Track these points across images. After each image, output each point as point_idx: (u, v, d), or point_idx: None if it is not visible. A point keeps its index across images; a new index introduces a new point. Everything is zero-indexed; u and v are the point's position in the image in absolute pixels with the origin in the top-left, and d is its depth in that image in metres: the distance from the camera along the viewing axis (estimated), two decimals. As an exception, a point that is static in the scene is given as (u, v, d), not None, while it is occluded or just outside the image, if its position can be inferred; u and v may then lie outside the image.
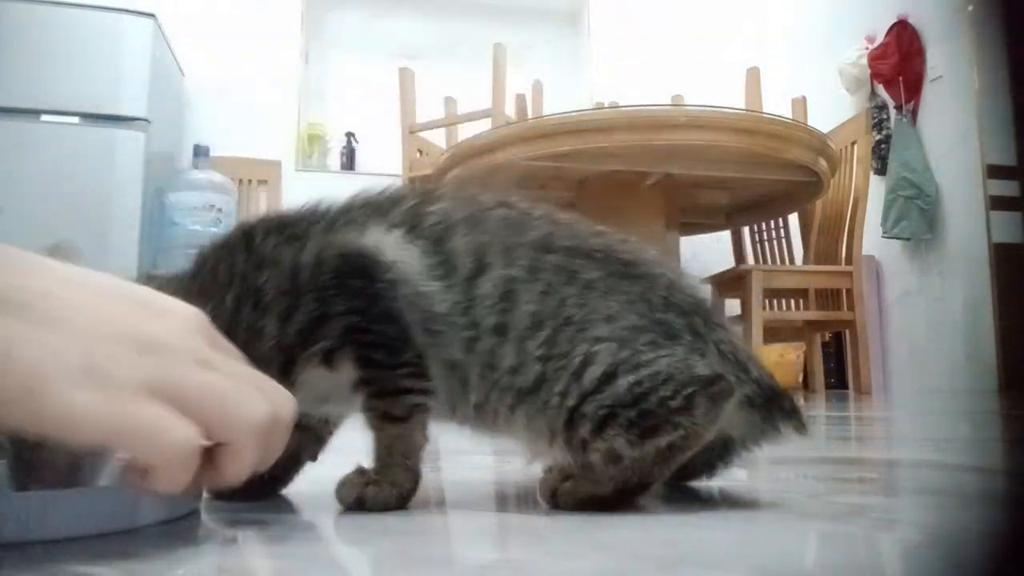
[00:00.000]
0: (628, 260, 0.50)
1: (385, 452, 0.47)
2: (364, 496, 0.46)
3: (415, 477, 0.48)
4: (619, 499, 0.47)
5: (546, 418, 0.47)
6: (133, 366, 0.34)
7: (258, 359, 0.42)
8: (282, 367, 0.48)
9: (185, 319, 0.38)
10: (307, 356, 0.48)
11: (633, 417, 0.45)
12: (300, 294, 0.48)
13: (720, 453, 0.51)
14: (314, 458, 0.56)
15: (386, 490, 0.46)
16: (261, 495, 0.53)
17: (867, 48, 3.60)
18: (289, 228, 0.50)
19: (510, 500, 0.60)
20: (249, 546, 0.42)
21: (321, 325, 0.47)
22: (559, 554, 0.40)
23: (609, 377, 0.46)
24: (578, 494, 0.48)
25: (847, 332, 2.69)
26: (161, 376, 0.34)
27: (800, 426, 0.48)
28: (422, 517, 0.50)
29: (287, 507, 0.52)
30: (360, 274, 0.47)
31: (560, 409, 0.46)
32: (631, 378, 0.45)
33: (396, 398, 0.47)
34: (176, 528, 0.44)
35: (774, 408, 0.47)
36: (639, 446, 0.45)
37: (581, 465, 0.47)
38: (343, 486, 0.47)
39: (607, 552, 0.40)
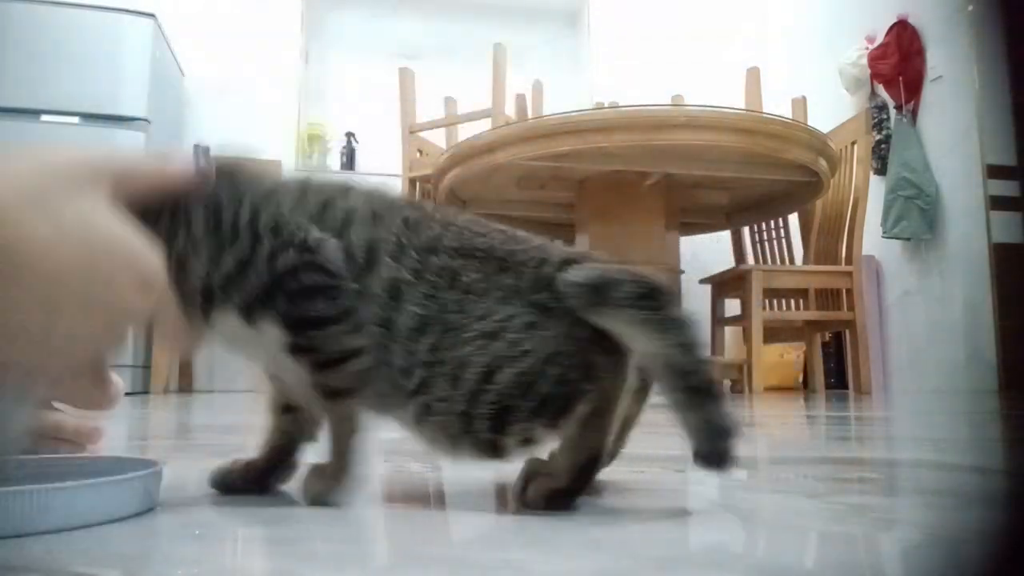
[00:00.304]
0: (504, 253, 0.49)
1: (335, 441, 0.48)
2: (320, 492, 0.48)
3: (353, 467, 0.48)
4: (579, 485, 0.48)
5: (436, 423, 0.47)
6: None
7: (183, 294, 0.46)
8: (203, 309, 0.48)
9: None
10: (227, 305, 0.48)
11: (535, 405, 0.45)
12: (233, 240, 0.48)
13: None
14: (312, 438, 0.55)
15: (331, 484, 0.48)
16: (263, 486, 0.53)
17: (867, 48, 3.60)
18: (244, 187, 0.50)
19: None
20: (249, 545, 0.42)
21: (248, 272, 0.47)
22: (559, 554, 0.40)
23: (489, 374, 0.45)
24: (540, 493, 0.48)
25: (847, 332, 2.69)
26: None
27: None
28: (422, 517, 0.50)
29: (287, 505, 0.52)
30: (292, 237, 0.47)
31: (449, 416, 0.46)
32: (515, 368, 0.45)
33: (340, 366, 0.48)
34: (176, 528, 0.44)
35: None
36: (559, 426, 0.46)
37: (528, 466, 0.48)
38: (306, 483, 0.49)
39: (607, 552, 0.40)
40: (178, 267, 0.47)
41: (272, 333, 0.48)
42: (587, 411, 0.46)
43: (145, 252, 0.41)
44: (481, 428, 0.46)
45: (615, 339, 0.45)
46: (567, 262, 0.48)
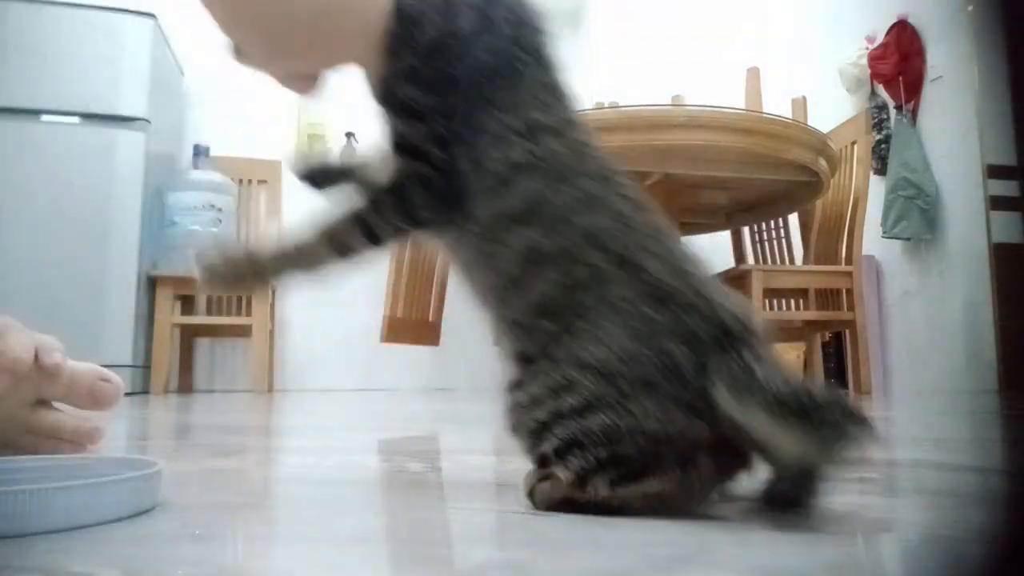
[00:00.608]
0: (671, 287, 0.45)
1: None
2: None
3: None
4: (592, 507, 0.47)
5: (518, 412, 0.47)
6: None
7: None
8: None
9: None
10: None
11: (605, 458, 0.44)
12: None
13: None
14: None
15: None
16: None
17: (867, 48, 3.60)
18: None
19: (510, 500, 0.60)
20: (249, 546, 0.42)
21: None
22: (559, 554, 0.40)
23: (583, 410, 0.44)
24: (553, 496, 0.47)
25: (847, 332, 2.69)
26: None
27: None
28: (423, 517, 0.50)
29: (287, 506, 0.51)
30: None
31: (530, 411, 0.46)
32: (609, 420, 0.44)
33: None
34: (176, 528, 0.44)
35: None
36: (621, 488, 0.44)
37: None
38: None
39: (607, 552, 0.40)
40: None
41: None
42: (651, 492, 0.44)
43: None
44: (547, 445, 0.46)
45: (738, 438, 0.43)
46: (729, 337, 0.44)
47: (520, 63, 0.49)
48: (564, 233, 0.47)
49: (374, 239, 0.50)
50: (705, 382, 0.43)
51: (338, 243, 0.50)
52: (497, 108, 0.48)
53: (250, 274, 0.50)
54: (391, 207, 0.50)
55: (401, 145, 0.50)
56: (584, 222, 0.47)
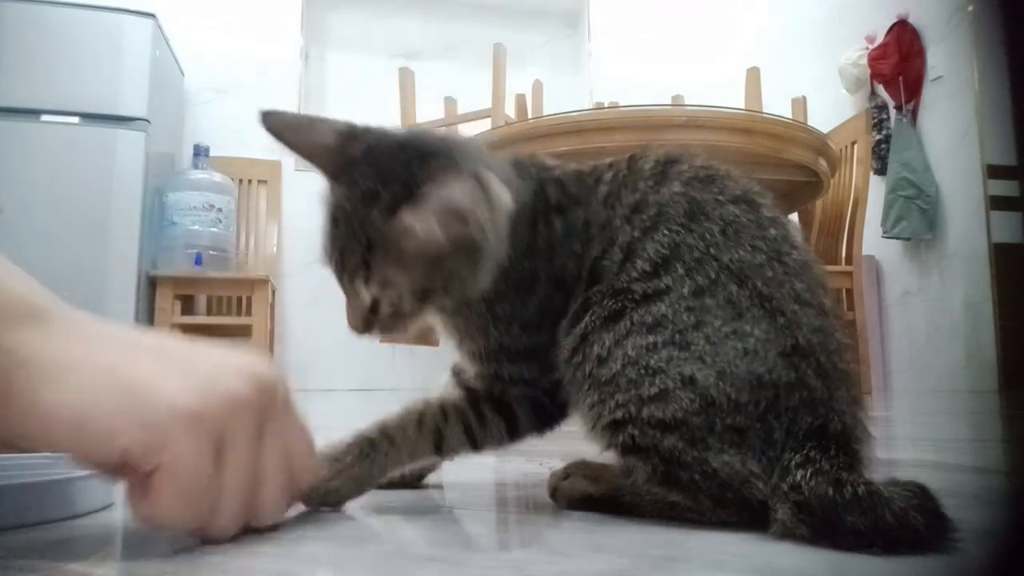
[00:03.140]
0: (801, 345, 0.45)
1: None
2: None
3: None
4: (608, 503, 0.48)
5: (597, 410, 0.47)
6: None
7: None
8: None
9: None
10: None
11: (661, 467, 0.45)
12: None
13: None
14: None
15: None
16: None
17: (867, 48, 3.60)
18: None
19: (510, 500, 0.60)
20: (249, 546, 0.42)
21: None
22: (559, 554, 0.40)
23: (669, 425, 0.44)
24: (573, 492, 0.49)
25: (847, 332, 2.69)
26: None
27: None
28: (423, 517, 0.50)
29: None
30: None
31: (613, 410, 0.46)
32: (685, 444, 0.44)
33: None
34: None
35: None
36: (654, 484, 0.45)
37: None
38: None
39: (607, 552, 0.40)
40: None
41: None
42: (675, 502, 0.45)
43: None
44: (621, 436, 0.46)
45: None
46: (826, 433, 0.43)
47: None
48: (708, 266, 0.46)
49: (477, 447, 0.53)
50: (787, 462, 0.42)
51: (443, 445, 0.52)
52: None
53: (364, 484, 0.51)
54: (497, 427, 0.52)
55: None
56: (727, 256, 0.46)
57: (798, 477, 0.41)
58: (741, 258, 0.46)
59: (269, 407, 0.41)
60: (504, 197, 0.44)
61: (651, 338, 0.45)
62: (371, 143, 0.49)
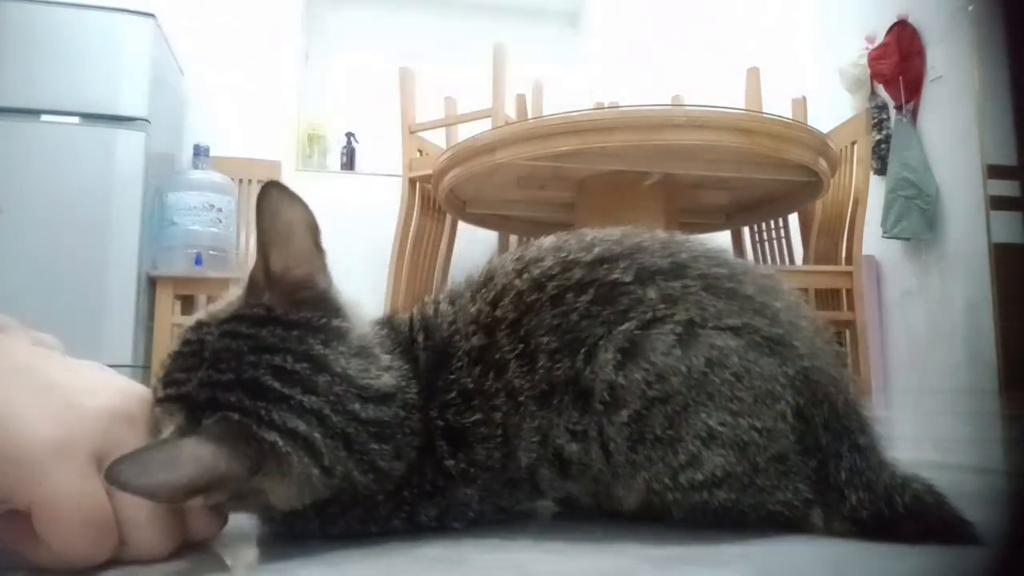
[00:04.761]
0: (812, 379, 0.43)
1: None
2: None
3: None
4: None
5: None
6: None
7: None
8: None
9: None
10: None
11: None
12: None
13: None
14: None
15: None
16: None
17: (867, 48, 3.60)
18: None
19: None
20: (248, 546, 0.42)
21: None
22: (559, 554, 0.40)
23: (712, 484, 0.42)
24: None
25: (847, 332, 2.69)
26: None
27: None
28: (422, 517, 0.50)
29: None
30: None
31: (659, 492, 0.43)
32: (732, 496, 0.42)
33: None
34: (176, 528, 0.44)
35: None
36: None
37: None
38: None
39: (608, 552, 0.40)
40: None
41: None
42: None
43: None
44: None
45: None
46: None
47: None
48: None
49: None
50: (834, 478, 0.43)
51: None
52: None
53: None
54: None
55: None
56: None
57: (853, 501, 0.41)
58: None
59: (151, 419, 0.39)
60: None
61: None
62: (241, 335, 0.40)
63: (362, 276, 3.40)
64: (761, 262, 3.04)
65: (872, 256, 3.49)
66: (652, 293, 0.43)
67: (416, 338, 0.46)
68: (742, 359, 0.42)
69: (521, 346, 0.43)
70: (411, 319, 0.48)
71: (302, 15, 3.90)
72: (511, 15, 4.33)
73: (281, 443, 0.37)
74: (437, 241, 3.02)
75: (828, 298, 2.73)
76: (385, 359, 0.43)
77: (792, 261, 3.01)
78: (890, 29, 3.50)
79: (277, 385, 0.38)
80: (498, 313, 0.44)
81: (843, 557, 0.39)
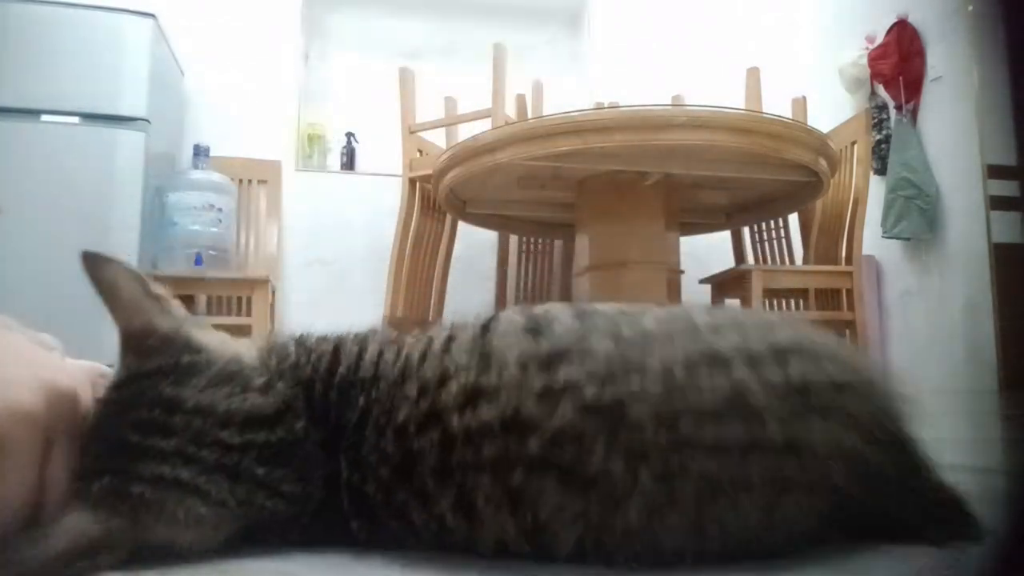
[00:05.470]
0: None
1: None
2: None
3: None
4: None
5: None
6: None
7: None
8: None
9: None
10: None
11: None
12: None
13: None
14: None
15: None
16: None
17: (867, 48, 3.60)
18: None
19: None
20: (249, 548, 0.42)
21: None
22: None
23: None
24: None
25: (847, 332, 2.69)
26: None
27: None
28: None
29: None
30: None
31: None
32: None
33: None
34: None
35: None
36: None
37: None
38: None
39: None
40: None
41: None
42: None
43: None
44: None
45: None
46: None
47: None
48: None
49: None
50: None
51: None
52: None
53: None
54: None
55: None
56: None
57: None
58: None
59: (60, 422, 0.38)
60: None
61: None
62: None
63: (362, 276, 3.41)
64: (761, 262, 3.05)
65: (872, 256, 3.49)
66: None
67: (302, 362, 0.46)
68: None
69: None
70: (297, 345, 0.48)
71: (302, 15, 3.90)
72: (511, 15, 4.33)
73: (148, 492, 0.38)
74: (437, 241, 3.02)
75: (828, 298, 2.73)
76: (259, 381, 0.43)
77: (792, 261, 3.01)
78: (890, 29, 3.49)
79: (137, 439, 0.40)
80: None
81: (844, 558, 0.39)
